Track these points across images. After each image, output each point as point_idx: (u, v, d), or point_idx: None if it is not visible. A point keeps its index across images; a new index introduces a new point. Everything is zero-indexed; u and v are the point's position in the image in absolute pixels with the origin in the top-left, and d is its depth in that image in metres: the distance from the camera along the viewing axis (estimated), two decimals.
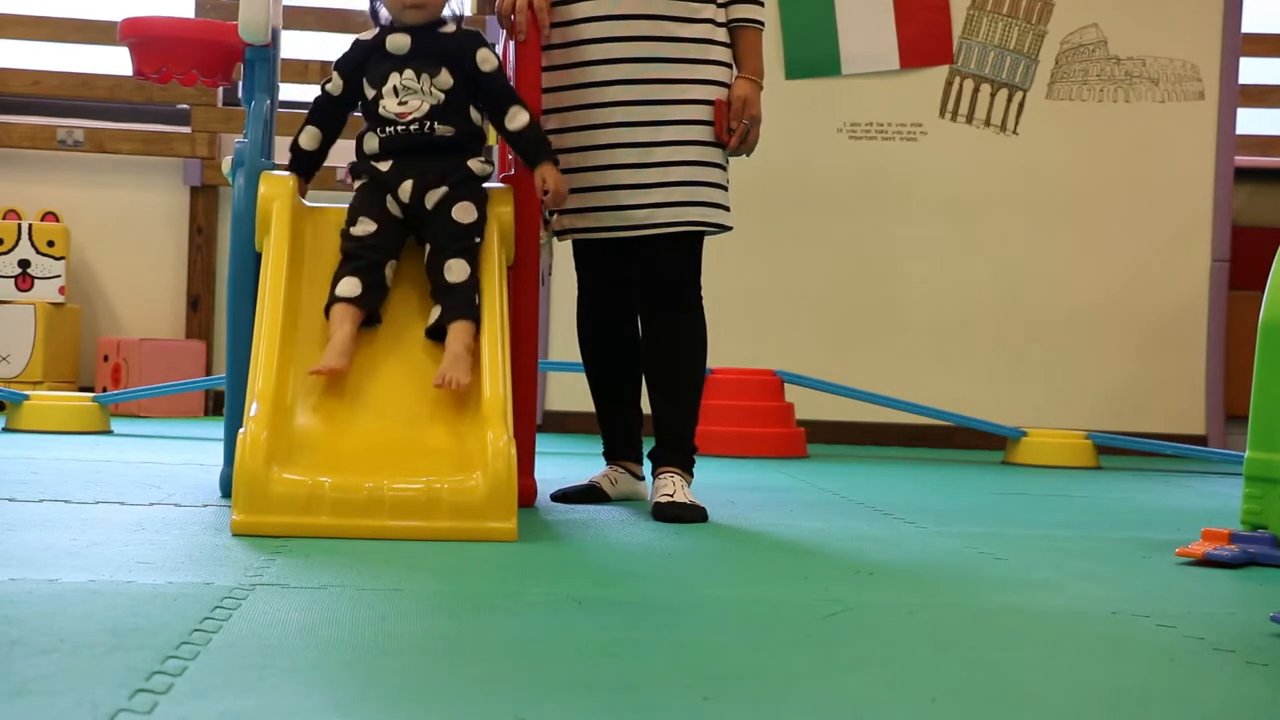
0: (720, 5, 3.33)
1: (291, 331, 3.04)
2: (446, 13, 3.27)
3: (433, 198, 3.15)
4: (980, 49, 6.26)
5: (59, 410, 5.03)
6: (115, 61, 6.52)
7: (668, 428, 3.36)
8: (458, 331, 3.03)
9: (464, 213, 3.14)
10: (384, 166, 3.19)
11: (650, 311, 3.37)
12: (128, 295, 6.61)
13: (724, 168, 3.35)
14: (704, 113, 3.28)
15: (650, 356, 3.39)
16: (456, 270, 3.10)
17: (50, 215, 6.38)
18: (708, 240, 3.37)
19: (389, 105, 3.18)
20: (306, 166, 3.30)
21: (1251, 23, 6.42)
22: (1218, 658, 1.95)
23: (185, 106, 6.58)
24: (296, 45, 6.54)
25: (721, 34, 3.33)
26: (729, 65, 3.34)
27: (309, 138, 3.29)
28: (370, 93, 3.22)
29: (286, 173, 3.25)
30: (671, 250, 3.30)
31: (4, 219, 6.28)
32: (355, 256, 3.12)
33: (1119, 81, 6.26)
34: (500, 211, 3.22)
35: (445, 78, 3.19)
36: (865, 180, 6.17)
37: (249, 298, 3.16)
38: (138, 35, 3.62)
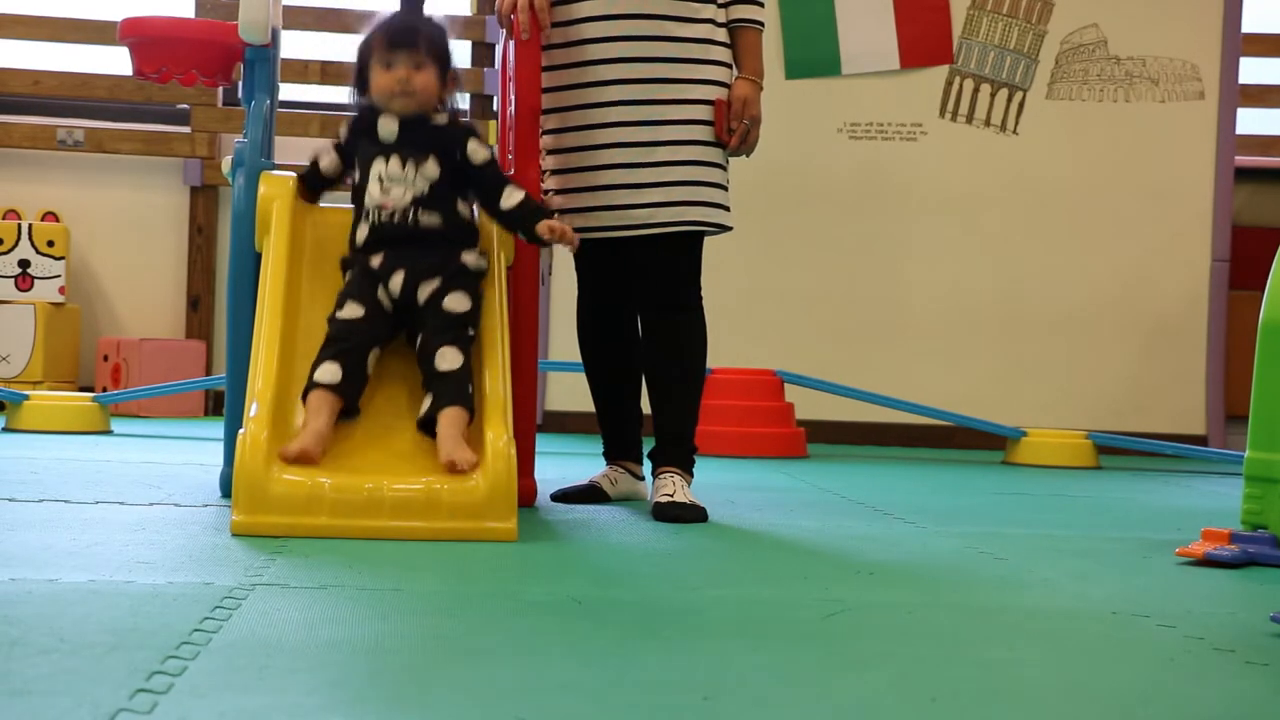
0: (720, 5, 3.33)
1: (291, 331, 3.04)
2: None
3: (425, 291, 3.03)
4: (980, 49, 6.26)
5: (59, 410, 5.03)
6: (115, 61, 6.52)
7: (667, 428, 3.36)
8: (450, 417, 2.88)
9: (457, 302, 3.01)
10: (375, 261, 3.06)
11: (650, 311, 3.37)
12: (128, 295, 6.61)
13: (724, 168, 3.35)
14: (704, 113, 3.28)
15: (650, 356, 3.39)
16: (449, 358, 2.95)
17: (50, 215, 6.38)
18: (708, 240, 3.37)
19: (373, 193, 3.08)
20: (317, 184, 3.25)
21: (1251, 23, 6.42)
22: (1218, 658, 1.95)
23: (185, 106, 6.58)
24: (296, 45, 6.54)
25: (722, 34, 3.33)
26: (729, 65, 3.34)
27: (331, 164, 3.21)
28: (356, 176, 3.16)
29: (290, 173, 3.23)
30: (671, 250, 3.30)
31: (4, 219, 6.28)
32: (338, 340, 2.97)
33: (1119, 81, 6.26)
34: None
35: (432, 167, 3.08)
36: (865, 180, 6.16)
37: (249, 298, 3.16)
38: (137, 35, 3.62)
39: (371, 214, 3.07)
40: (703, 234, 3.32)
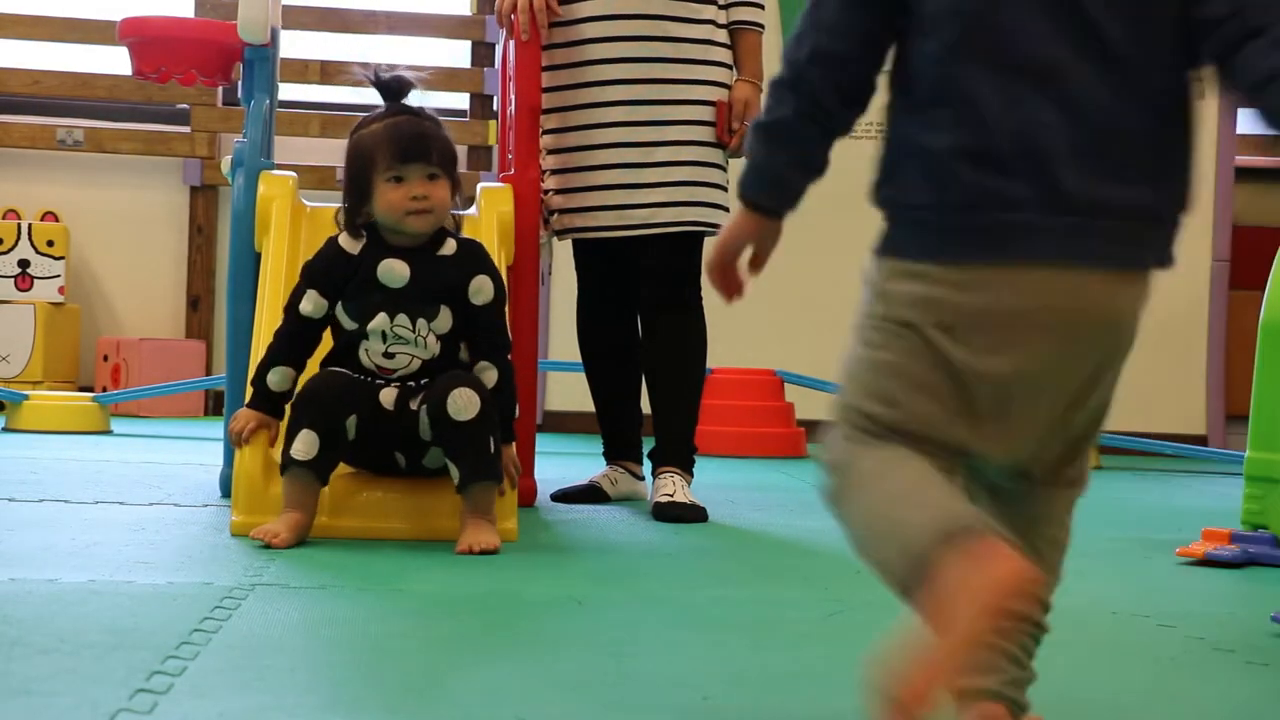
0: (721, 7, 3.33)
1: None
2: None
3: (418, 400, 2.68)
4: None
5: (59, 410, 5.02)
6: (114, 61, 6.51)
7: (667, 428, 3.36)
8: (475, 500, 2.62)
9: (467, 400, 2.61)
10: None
11: (650, 311, 3.37)
12: (128, 295, 6.60)
13: (724, 169, 3.35)
14: (705, 113, 3.28)
15: (650, 357, 3.39)
16: (462, 403, 2.60)
17: (50, 215, 6.38)
18: (708, 240, 3.37)
19: (373, 354, 2.68)
20: (276, 409, 2.71)
21: None
22: (1218, 658, 1.95)
23: (185, 106, 6.58)
24: (296, 45, 6.54)
25: (722, 35, 3.33)
26: (729, 66, 3.34)
27: (282, 379, 2.70)
28: (349, 326, 2.70)
29: (253, 410, 2.72)
30: (672, 250, 3.30)
31: (4, 219, 6.28)
32: (315, 399, 2.62)
33: None
34: (500, 211, 3.22)
35: (444, 319, 2.69)
36: (865, 180, 6.14)
37: (249, 298, 3.16)
38: (137, 35, 3.62)
39: (364, 374, 2.70)
40: (703, 235, 3.32)
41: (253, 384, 2.74)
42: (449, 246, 2.74)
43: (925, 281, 1.34)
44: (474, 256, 2.76)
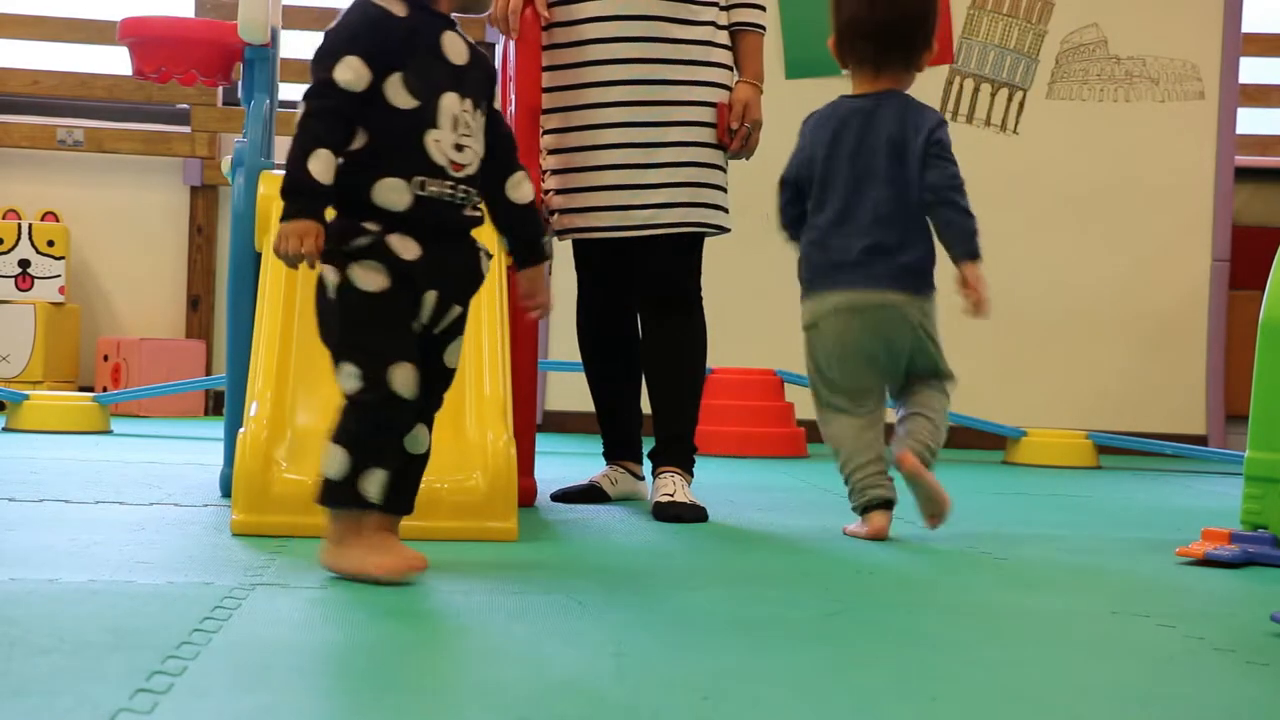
0: (723, 8, 3.33)
1: (291, 331, 3.04)
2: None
3: (444, 322, 2.28)
4: (980, 48, 6.26)
5: (59, 410, 5.03)
6: (114, 61, 6.52)
7: (668, 427, 3.36)
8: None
9: (456, 356, 2.33)
10: (408, 252, 2.17)
11: (651, 312, 3.37)
12: (128, 295, 6.61)
13: (724, 169, 3.35)
14: (707, 114, 3.28)
15: (650, 357, 3.39)
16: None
17: (50, 215, 6.38)
18: (709, 240, 3.37)
19: (445, 145, 2.18)
20: (326, 203, 2.15)
21: (1251, 22, 6.41)
22: (1218, 658, 1.95)
23: (185, 106, 6.58)
24: (296, 45, 6.54)
25: (723, 36, 3.33)
26: (730, 68, 3.34)
27: (325, 167, 2.11)
28: (406, 104, 2.17)
29: (307, 219, 2.12)
30: (673, 251, 3.30)
31: (4, 219, 6.28)
32: (388, 426, 2.20)
33: (1119, 81, 6.26)
34: None
35: (481, 117, 2.28)
36: None
37: (249, 298, 3.16)
38: (137, 35, 3.62)
39: (431, 176, 2.18)
40: (703, 235, 3.32)
41: (290, 186, 2.11)
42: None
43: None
44: (488, 53, 2.40)
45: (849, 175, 3.00)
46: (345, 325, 2.18)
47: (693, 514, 3.18)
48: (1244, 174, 6.53)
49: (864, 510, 3.00)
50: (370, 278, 2.16)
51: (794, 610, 2.17)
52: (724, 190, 3.34)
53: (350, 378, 2.17)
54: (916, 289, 3.02)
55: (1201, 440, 6.15)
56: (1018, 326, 6.23)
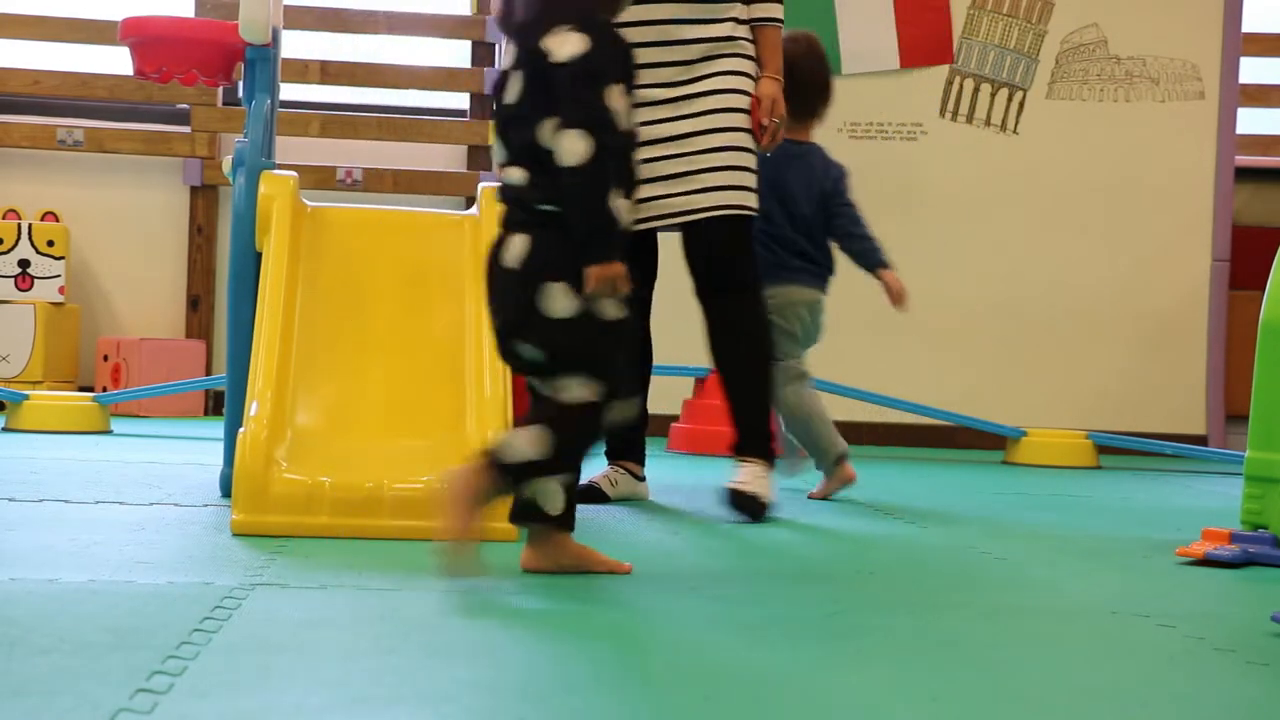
0: (745, 4, 3.35)
1: (291, 331, 3.04)
2: None
3: None
4: (980, 48, 6.26)
5: (59, 410, 5.02)
6: (115, 61, 6.51)
7: (740, 419, 3.39)
8: None
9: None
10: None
11: (710, 297, 3.38)
12: (128, 295, 6.60)
13: (757, 155, 3.37)
14: (741, 101, 3.32)
15: (716, 349, 3.41)
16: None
17: (50, 215, 6.38)
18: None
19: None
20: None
21: (1251, 22, 6.41)
22: (1218, 658, 1.95)
23: (185, 106, 6.58)
24: (296, 45, 6.54)
25: (744, 31, 3.36)
26: (755, 60, 3.36)
27: (622, 206, 2.23)
28: (628, 125, 2.26)
29: (619, 263, 2.22)
30: (729, 233, 3.31)
31: (4, 219, 6.28)
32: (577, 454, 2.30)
33: (1119, 81, 6.26)
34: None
35: None
36: (865, 180, 6.11)
37: (249, 298, 3.16)
38: (138, 35, 3.62)
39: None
40: (750, 217, 3.34)
41: (601, 227, 2.18)
42: None
43: None
44: None
45: None
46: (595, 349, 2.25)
47: (747, 505, 3.22)
48: (1244, 174, 6.53)
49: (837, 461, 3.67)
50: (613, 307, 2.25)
51: (794, 610, 2.17)
52: (756, 173, 3.36)
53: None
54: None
55: (1201, 440, 6.15)
56: (1018, 326, 6.23)
